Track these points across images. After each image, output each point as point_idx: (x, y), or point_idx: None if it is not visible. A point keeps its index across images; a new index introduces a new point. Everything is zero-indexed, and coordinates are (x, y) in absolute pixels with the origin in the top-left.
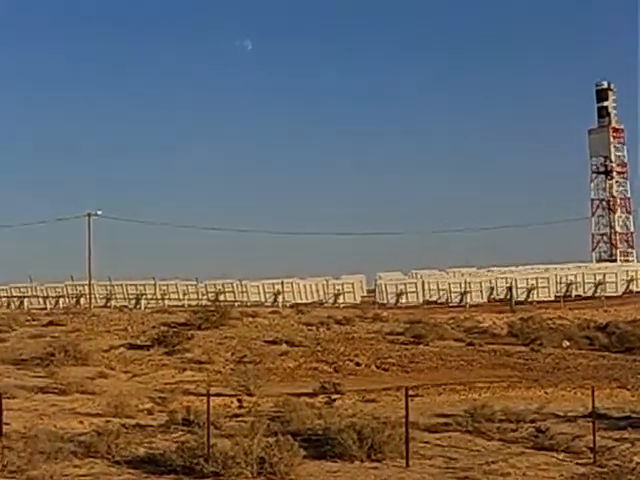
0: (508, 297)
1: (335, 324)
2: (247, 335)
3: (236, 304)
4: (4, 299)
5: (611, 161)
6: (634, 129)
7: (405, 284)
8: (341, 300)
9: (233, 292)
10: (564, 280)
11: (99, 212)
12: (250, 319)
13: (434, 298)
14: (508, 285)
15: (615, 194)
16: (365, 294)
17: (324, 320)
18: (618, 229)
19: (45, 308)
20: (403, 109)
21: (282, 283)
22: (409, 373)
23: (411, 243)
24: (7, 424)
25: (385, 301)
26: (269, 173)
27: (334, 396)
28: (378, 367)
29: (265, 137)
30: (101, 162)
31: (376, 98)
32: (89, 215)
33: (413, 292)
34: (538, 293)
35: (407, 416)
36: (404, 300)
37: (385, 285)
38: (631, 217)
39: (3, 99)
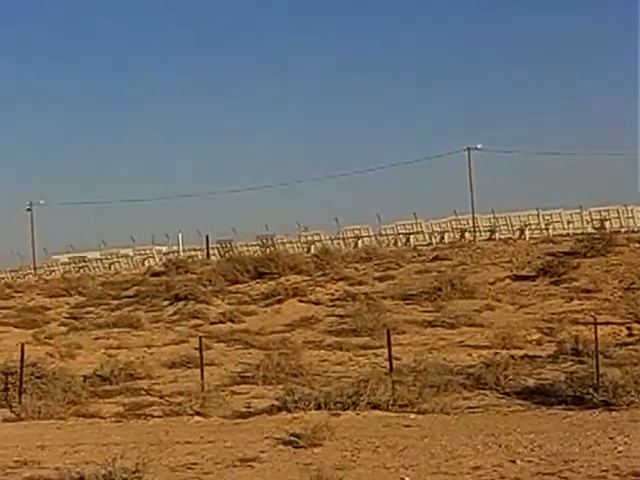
0: None
1: None
2: (635, 262)
3: (622, 230)
4: (391, 237)
5: None
6: None
7: None
8: None
9: (619, 218)
10: None
11: (479, 146)
12: (637, 245)
13: None
14: None
15: None
16: None
17: None
18: None
19: (430, 244)
20: None
21: None
22: None
23: None
24: (397, 359)
25: None
26: None
27: None
28: None
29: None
30: (479, 98)
31: None
32: (469, 149)
33: None
34: None
35: None
36: None
37: None
38: None
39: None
